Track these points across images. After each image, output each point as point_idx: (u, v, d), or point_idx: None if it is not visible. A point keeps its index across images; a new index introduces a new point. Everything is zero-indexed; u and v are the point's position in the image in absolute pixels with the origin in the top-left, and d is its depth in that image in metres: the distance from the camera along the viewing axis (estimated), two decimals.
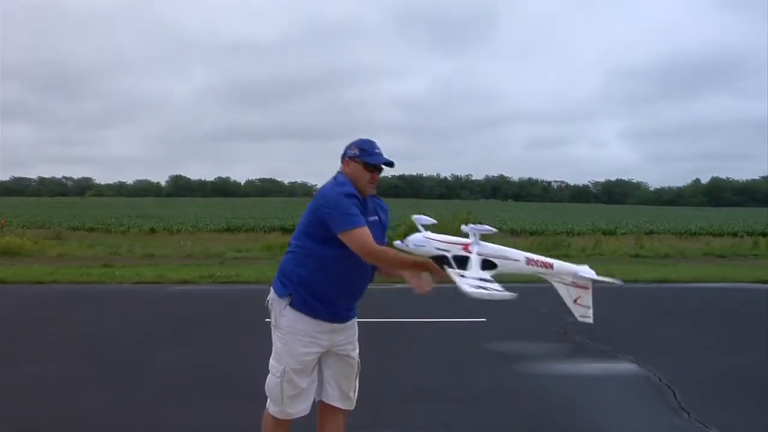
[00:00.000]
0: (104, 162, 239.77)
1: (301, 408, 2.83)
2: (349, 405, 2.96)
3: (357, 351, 2.96)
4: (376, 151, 2.80)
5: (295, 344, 2.76)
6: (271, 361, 2.84)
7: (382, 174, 2.86)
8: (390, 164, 2.82)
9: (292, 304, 2.76)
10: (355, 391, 2.96)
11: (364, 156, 2.77)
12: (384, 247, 2.73)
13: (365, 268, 2.78)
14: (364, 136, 2.86)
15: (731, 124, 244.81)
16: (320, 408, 2.95)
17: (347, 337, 2.88)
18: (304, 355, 2.77)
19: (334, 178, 2.80)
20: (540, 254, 2.87)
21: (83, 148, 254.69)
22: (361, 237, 2.60)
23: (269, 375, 2.84)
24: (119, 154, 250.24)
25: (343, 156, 2.83)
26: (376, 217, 2.84)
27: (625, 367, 5.43)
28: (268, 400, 2.86)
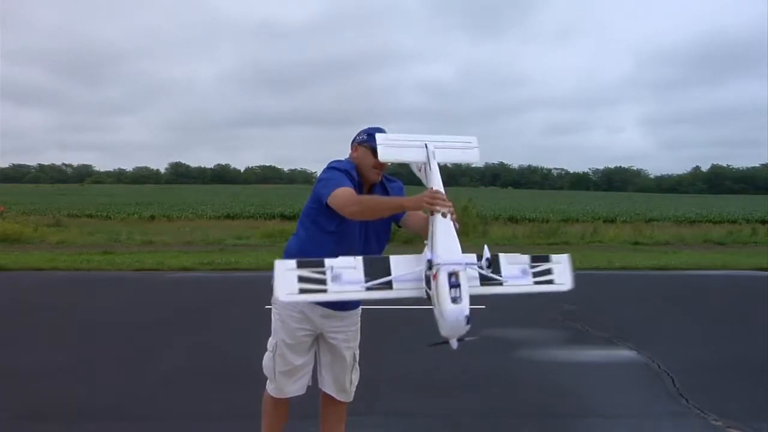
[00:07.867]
0: (110, 149, 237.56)
1: (295, 387, 2.82)
2: (345, 397, 2.93)
3: (353, 344, 2.89)
4: None
5: (288, 319, 2.76)
6: (269, 339, 2.86)
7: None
8: None
9: None
10: (351, 383, 2.92)
11: (371, 141, 2.65)
12: (368, 195, 2.68)
13: (353, 249, 2.58)
14: (378, 124, 2.78)
15: (754, 111, 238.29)
16: (322, 396, 2.96)
17: (341, 326, 2.81)
18: (296, 331, 2.76)
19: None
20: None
21: (88, 135, 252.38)
22: (342, 193, 2.51)
23: (266, 352, 2.86)
24: (125, 141, 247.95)
25: (353, 142, 2.78)
26: None
27: (624, 353, 5.45)
28: (267, 380, 2.88)
